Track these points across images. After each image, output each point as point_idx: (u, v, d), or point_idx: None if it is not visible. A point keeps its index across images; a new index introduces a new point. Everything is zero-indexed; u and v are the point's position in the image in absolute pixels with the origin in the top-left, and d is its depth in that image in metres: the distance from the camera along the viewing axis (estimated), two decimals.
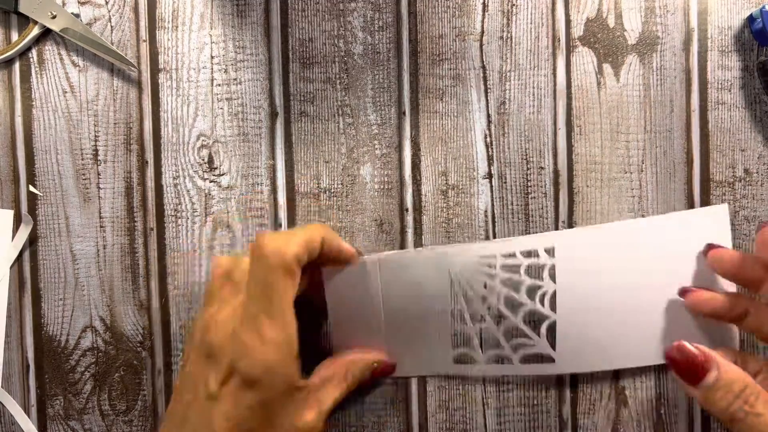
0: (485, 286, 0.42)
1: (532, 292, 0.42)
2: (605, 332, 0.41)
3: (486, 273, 0.42)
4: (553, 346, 0.41)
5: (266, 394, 0.32)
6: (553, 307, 0.41)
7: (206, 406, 0.32)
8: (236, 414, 0.32)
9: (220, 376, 0.32)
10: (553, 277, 0.41)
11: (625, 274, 0.41)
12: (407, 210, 0.44)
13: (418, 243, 0.44)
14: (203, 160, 0.44)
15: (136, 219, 0.44)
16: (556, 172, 0.44)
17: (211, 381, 0.32)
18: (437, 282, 0.42)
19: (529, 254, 0.42)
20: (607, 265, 0.41)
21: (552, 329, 0.41)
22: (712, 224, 0.42)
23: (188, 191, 0.44)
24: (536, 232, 0.44)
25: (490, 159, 0.44)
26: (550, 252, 0.42)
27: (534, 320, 0.42)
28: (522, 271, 0.42)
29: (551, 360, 0.41)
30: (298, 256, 0.34)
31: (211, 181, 0.44)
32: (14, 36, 0.44)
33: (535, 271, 0.42)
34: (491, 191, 0.44)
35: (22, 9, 0.43)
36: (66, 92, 0.44)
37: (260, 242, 0.34)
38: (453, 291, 0.42)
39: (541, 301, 0.41)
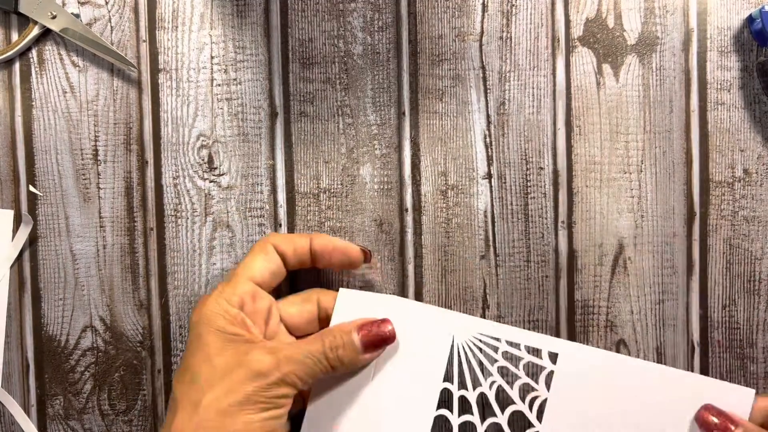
0: (482, 370, 0.40)
1: (524, 392, 0.40)
2: None
3: (487, 354, 0.40)
4: None
5: (201, 331, 0.36)
6: (539, 417, 0.39)
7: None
8: (186, 353, 0.37)
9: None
10: (548, 385, 0.39)
11: (620, 414, 0.39)
12: (407, 210, 0.44)
13: (417, 243, 0.44)
14: (203, 160, 0.44)
15: (136, 219, 0.44)
16: (555, 173, 0.44)
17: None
18: (435, 348, 0.40)
19: (533, 352, 0.40)
20: (605, 394, 0.39)
21: None
22: (733, 404, 0.38)
23: (188, 191, 0.44)
24: (536, 233, 0.44)
25: (489, 159, 0.44)
26: (553, 358, 0.40)
27: (519, 424, 0.40)
28: (521, 366, 0.40)
29: None
30: (220, 312, 0.37)
31: (211, 181, 0.44)
32: (14, 36, 0.44)
33: (533, 371, 0.41)
34: (491, 191, 0.44)
35: (22, 9, 0.43)
36: (66, 92, 0.44)
37: (197, 307, 0.38)
38: (452, 357, 0.40)
39: (530, 406, 0.40)
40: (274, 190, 0.44)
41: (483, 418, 0.40)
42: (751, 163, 0.44)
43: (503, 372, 0.40)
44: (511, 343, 0.40)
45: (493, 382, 0.40)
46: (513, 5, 0.44)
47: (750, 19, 0.43)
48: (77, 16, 0.44)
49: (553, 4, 0.44)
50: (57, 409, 0.44)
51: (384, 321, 0.39)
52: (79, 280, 0.44)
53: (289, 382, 0.35)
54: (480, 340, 0.40)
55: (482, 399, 0.40)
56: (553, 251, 0.44)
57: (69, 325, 0.44)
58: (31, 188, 0.44)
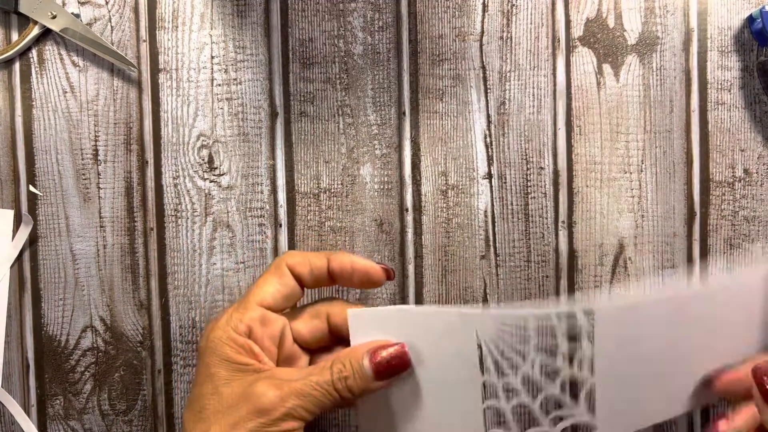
0: (518, 352, 0.37)
1: (570, 357, 0.37)
2: (645, 391, 0.38)
3: (518, 336, 0.37)
4: (592, 411, 0.37)
5: (208, 361, 0.35)
6: (591, 371, 0.37)
7: None
8: (194, 383, 0.36)
9: None
10: (591, 340, 0.37)
11: (666, 338, 0.38)
12: (407, 210, 0.44)
13: (418, 243, 0.44)
14: (203, 160, 0.44)
15: (136, 219, 0.44)
16: (555, 173, 0.44)
17: None
18: (463, 348, 0.37)
19: (563, 316, 0.37)
20: (652, 331, 0.37)
21: (591, 395, 0.37)
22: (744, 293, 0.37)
23: (188, 191, 0.44)
24: (536, 233, 0.44)
25: (489, 159, 0.44)
26: (589, 314, 0.37)
27: (572, 387, 0.37)
28: (558, 333, 0.37)
29: (593, 429, 0.37)
30: (227, 341, 0.36)
31: (211, 181, 0.44)
32: (14, 36, 0.44)
33: (572, 336, 0.37)
34: (491, 191, 0.44)
35: (22, 9, 0.43)
36: (66, 92, 0.44)
37: (204, 332, 0.37)
38: (482, 358, 0.37)
39: (579, 366, 0.37)
40: (274, 190, 0.44)
41: (534, 395, 0.38)
42: (752, 163, 0.44)
43: (542, 348, 0.37)
44: (540, 317, 0.37)
45: (533, 360, 0.37)
46: (513, 5, 0.44)
47: (750, 19, 0.43)
48: (77, 16, 0.44)
49: (553, 4, 0.44)
50: (57, 409, 0.44)
51: (398, 345, 0.36)
52: (79, 280, 0.44)
53: (296, 416, 0.34)
54: (505, 324, 0.37)
55: (527, 379, 0.37)
56: (553, 251, 0.44)
57: (69, 325, 0.44)
58: (31, 188, 0.44)
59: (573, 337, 0.37)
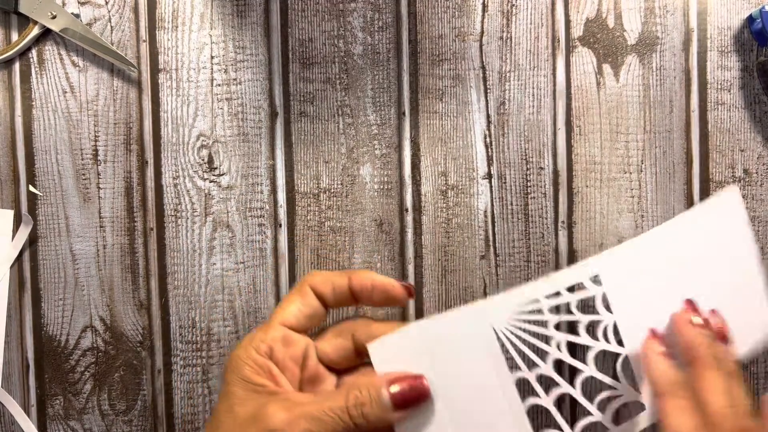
0: (540, 338, 0.35)
1: (593, 329, 0.36)
2: None
3: (535, 321, 0.35)
4: (635, 386, 0.36)
5: (228, 379, 0.35)
6: (619, 341, 0.36)
7: None
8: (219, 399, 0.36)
9: None
10: (608, 307, 0.36)
11: (678, 280, 0.37)
12: (407, 210, 0.44)
13: (417, 243, 0.44)
14: (203, 160, 0.44)
15: (136, 219, 0.44)
16: (555, 173, 0.44)
17: None
18: (483, 347, 0.35)
19: (573, 289, 0.36)
20: (656, 277, 0.37)
21: (627, 366, 0.36)
22: (726, 215, 0.37)
23: (188, 191, 0.44)
24: (536, 233, 0.44)
25: (489, 159, 0.44)
26: (597, 281, 0.36)
27: (608, 362, 0.37)
28: (574, 308, 0.36)
29: (642, 408, 0.36)
30: (247, 361, 0.36)
31: (211, 181, 0.44)
32: (14, 36, 0.44)
33: (587, 306, 0.36)
34: (491, 191, 0.44)
35: (22, 9, 0.43)
36: (66, 92, 0.44)
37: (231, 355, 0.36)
38: (504, 345, 0.35)
39: (605, 337, 0.36)
40: (274, 190, 0.44)
41: (570, 380, 0.36)
42: (752, 163, 0.44)
43: (561, 326, 0.36)
44: (551, 296, 0.36)
45: (558, 343, 0.36)
46: (513, 5, 0.44)
47: (750, 19, 0.43)
48: (77, 16, 0.44)
49: (553, 4, 0.44)
50: (57, 409, 0.44)
51: (418, 377, 0.35)
52: (79, 280, 0.44)
53: None
54: (519, 312, 0.36)
55: (557, 365, 0.36)
56: (553, 251, 0.44)
57: (69, 325, 0.44)
58: (31, 188, 0.44)
59: (589, 309, 0.36)
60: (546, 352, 0.36)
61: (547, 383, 0.35)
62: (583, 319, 0.36)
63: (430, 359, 0.36)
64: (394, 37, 0.44)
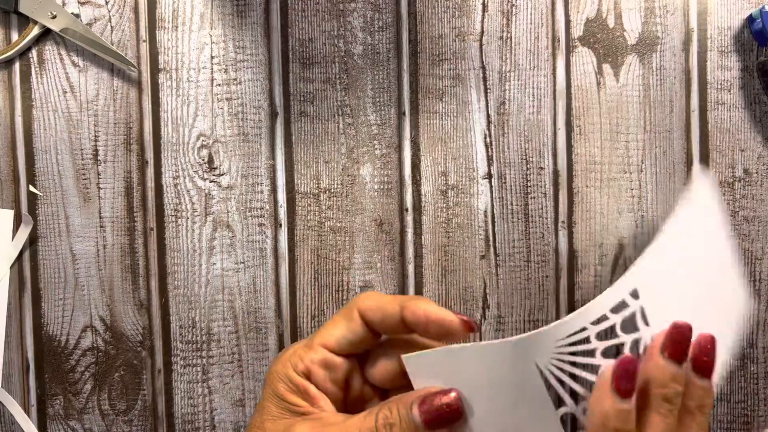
0: (584, 368, 0.33)
1: (636, 348, 0.34)
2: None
3: (583, 352, 0.33)
4: None
5: (265, 394, 0.34)
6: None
7: None
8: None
9: None
10: (645, 321, 0.34)
11: (702, 273, 0.35)
12: (407, 210, 0.44)
13: (417, 243, 0.44)
14: (203, 160, 0.44)
15: (136, 219, 0.44)
16: (555, 173, 0.44)
17: None
18: (526, 384, 0.33)
19: (617, 309, 0.34)
20: (679, 280, 0.35)
21: None
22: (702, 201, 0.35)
23: (188, 191, 0.44)
24: (536, 233, 0.44)
25: (489, 159, 0.44)
26: (634, 295, 0.34)
27: None
28: (618, 329, 0.33)
29: None
30: (283, 378, 0.34)
31: (211, 181, 0.44)
32: (14, 36, 0.44)
33: (629, 325, 0.34)
34: (491, 191, 0.44)
35: (22, 9, 0.43)
36: (66, 92, 0.44)
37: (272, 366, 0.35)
38: (551, 391, 0.33)
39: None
40: (274, 190, 0.44)
41: None
42: (752, 163, 0.44)
43: (607, 353, 0.33)
44: (597, 321, 0.33)
45: (597, 366, 0.33)
46: (513, 5, 0.44)
47: (750, 19, 0.43)
48: (77, 16, 0.44)
49: (553, 4, 0.44)
50: (57, 409, 0.44)
51: (449, 392, 0.33)
52: (79, 280, 0.44)
53: None
54: (562, 346, 0.33)
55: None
56: (553, 251, 0.44)
57: (69, 325, 0.44)
58: (31, 188, 0.44)
59: (631, 326, 0.34)
60: (593, 383, 0.33)
61: None
62: (627, 340, 0.33)
63: (469, 382, 0.34)
64: (394, 37, 0.44)
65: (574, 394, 0.33)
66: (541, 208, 0.44)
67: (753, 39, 0.43)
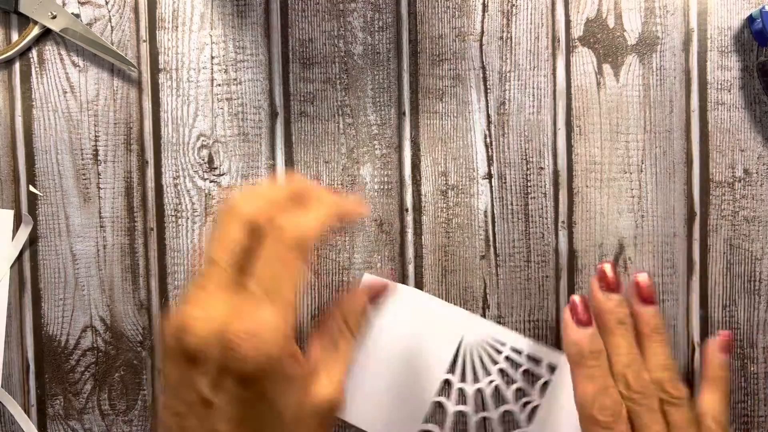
0: (484, 368, 0.43)
1: (519, 395, 0.43)
2: None
3: (491, 355, 0.43)
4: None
5: (266, 387, 0.29)
6: (530, 419, 0.43)
7: (203, 414, 0.29)
8: (238, 415, 0.29)
9: (210, 381, 0.28)
10: (542, 393, 0.43)
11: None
12: (407, 210, 0.44)
13: (417, 243, 0.44)
14: (203, 160, 0.44)
15: (136, 219, 0.44)
16: (555, 173, 0.44)
17: (203, 388, 0.28)
18: (447, 337, 0.43)
19: (533, 360, 0.43)
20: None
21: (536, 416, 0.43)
22: None
23: (188, 191, 0.44)
24: (536, 233, 0.44)
25: (489, 159, 0.44)
26: (551, 369, 0.43)
27: (510, 424, 0.43)
28: (520, 372, 0.43)
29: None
30: (315, 240, 0.31)
31: (211, 181, 0.44)
32: (14, 36, 0.44)
33: (530, 378, 0.43)
34: (491, 191, 0.44)
35: (22, 9, 0.43)
36: (66, 92, 0.44)
37: (280, 225, 0.30)
38: (458, 352, 0.43)
39: (522, 408, 0.43)
40: None
41: (476, 411, 0.43)
42: (752, 163, 0.44)
43: (503, 374, 0.43)
44: (514, 350, 0.43)
45: (491, 381, 0.43)
46: (513, 5, 0.44)
47: (750, 19, 0.43)
48: (77, 16, 0.44)
49: (553, 4, 0.44)
50: (57, 409, 0.44)
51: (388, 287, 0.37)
52: (79, 280, 0.44)
53: None
54: (486, 342, 0.43)
55: (479, 394, 0.43)
56: (553, 251, 0.44)
57: (69, 325, 0.44)
58: (31, 188, 0.44)
59: (530, 379, 0.43)
60: (478, 380, 0.43)
61: (462, 399, 0.44)
62: (520, 383, 0.43)
63: (399, 317, 0.43)
64: (394, 37, 0.44)
65: (464, 374, 0.43)
66: (541, 208, 0.44)
67: (753, 39, 0.43)
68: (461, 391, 0.43)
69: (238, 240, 0.30)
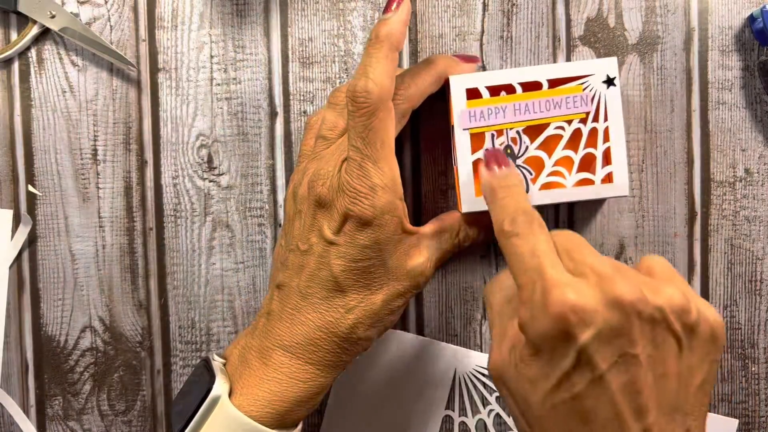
0: (482, 399, 0.43)
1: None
2: None
3: (487, 385, 0.43)
4: None
5: (379, 235, 0.35)
6: None
7: (324, 251, 0.36)
8: (352, 253, 0.35)
9: (335, 224, 0.35)
10: None
11: None
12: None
13: None
14: (202, 159, 0.44)
15: (135, 219, 0.44)
16: None
17: (326, 229, 0.36)
18: (440, 378, 0.43)
19: None
20: None
21: None
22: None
23: (187, 191, 0.44)
24: None
25: None
26: None
27: None
28: None
29: None
30: (390, 91, 0.36)
31: (210, 181, 0.44)
32: (13, 35, 0.44)
33: None
34: None
35: (21, 8, 0.43)
36: (65, 92, 0.44)
37: (353, 90, 0.35)
38: (454, 387, 0.43)
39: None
40: (273, 190, 0.44)
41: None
42: (753, 162, 0.44)
43: (501, 402, 0.43)
44: None
45: (491, 410, 0.43)
46: (513, 4, 0.44)
47: (751, 19, 0.43)
48: (76, 15, 0.44)
49: (553, 3, 0.44)
50: (56, 409, 0.44)
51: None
52: (79, 281, 0.44)
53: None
54: (480, 373, 0.43)
55: (482, 425, 0.43)
56: None
57: (68, 325, 0.44)
58: (30, 188, 0.44)
59: None
60: (478, 411, 0.43)
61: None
62: None
63: (390, 363, 0.43)
64: None
65: (462, 408, 0.43)
66: (542, 208, 0.44)
67: (754, 38, 0.43)
68: (463, 424, 0.43)
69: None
